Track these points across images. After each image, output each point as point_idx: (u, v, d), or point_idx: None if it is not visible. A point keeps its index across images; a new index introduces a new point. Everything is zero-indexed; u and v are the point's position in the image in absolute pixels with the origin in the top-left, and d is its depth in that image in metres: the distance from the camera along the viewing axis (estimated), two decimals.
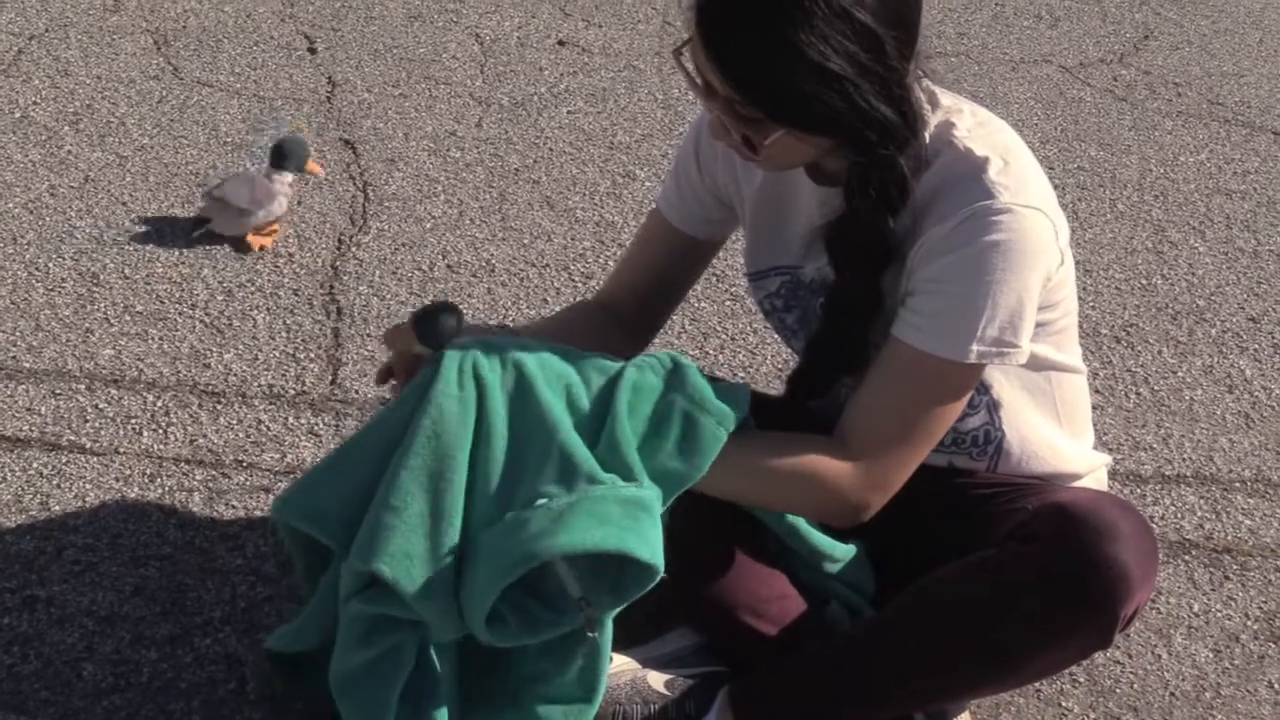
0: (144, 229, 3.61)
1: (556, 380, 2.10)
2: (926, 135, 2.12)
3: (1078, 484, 2.44)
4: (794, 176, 2.29)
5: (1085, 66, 4.83)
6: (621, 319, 2.51)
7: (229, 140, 3.96)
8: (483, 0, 4.83)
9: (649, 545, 2.02)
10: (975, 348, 2.10)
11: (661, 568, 2.03)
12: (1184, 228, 4.01)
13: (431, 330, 2.28)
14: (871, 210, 2.11)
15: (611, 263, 3.65)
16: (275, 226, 3.63)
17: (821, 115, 2.02)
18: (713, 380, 2.17)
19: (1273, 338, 3.64)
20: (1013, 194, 2.07)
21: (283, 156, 3.60)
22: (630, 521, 2.02)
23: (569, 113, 4.28)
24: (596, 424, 2.09)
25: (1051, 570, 2.12)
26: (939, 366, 2.12)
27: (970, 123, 2.16)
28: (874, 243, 2.13)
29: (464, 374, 2.09)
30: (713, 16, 1.99)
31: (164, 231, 3.60)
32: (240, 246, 3.60)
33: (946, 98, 2.19)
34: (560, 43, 4.64)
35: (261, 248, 3.59)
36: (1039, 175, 2.15)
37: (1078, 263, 3.62)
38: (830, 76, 1.98)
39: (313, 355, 3.25)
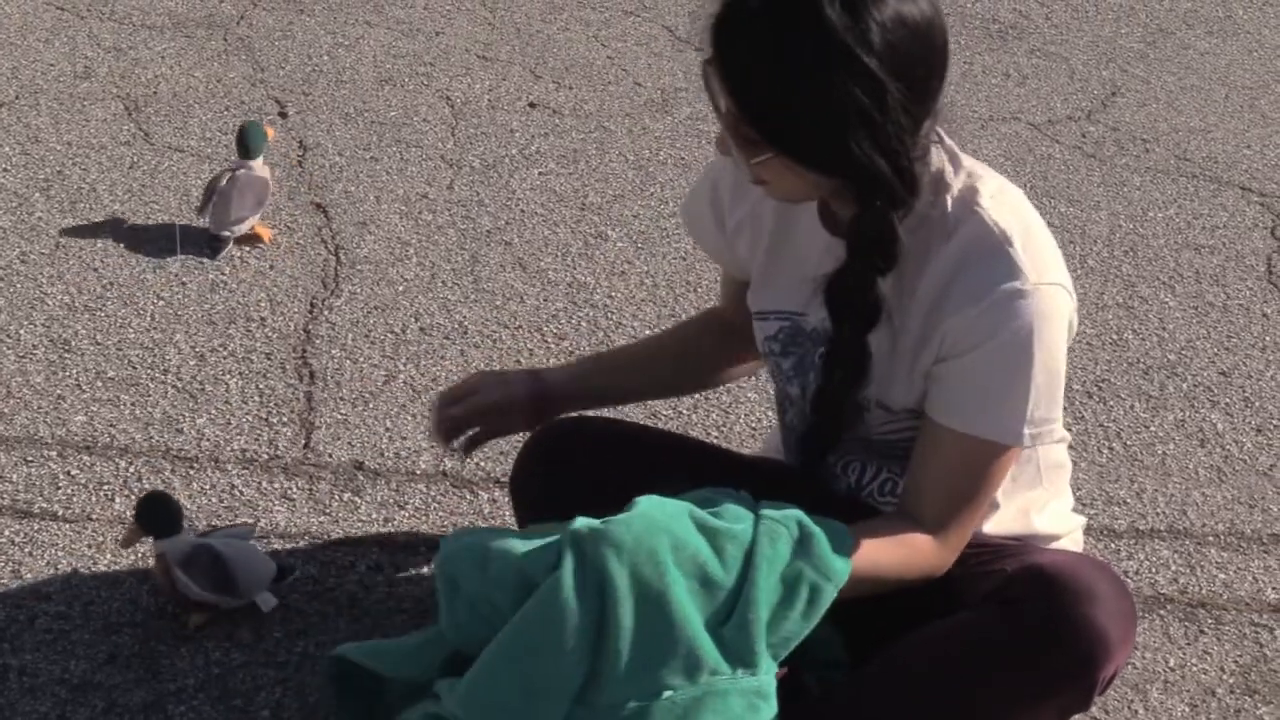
0: (116, 294, 3.61)
1: (689, 561, 2.09)
2: (949, 200, 2.15)
3: (1055, 545, 2.44)
4: (806, 223, 2.30)
5: (1054, 124, 4.86)
6: (737, 328, 2.58)
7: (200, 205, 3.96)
8: (453, 63, 4.85)
9: None
10: (1027, 431, 2.17)
11: None
12: (1154, 283, 4.02)
13: (152, 520, 2.55)
14: (861, 267, 2.13)
15: (585, 324, 3.65)
16: (266, 228, 3.88)
17: (811, 148, 2.05)
18: (813, 517, 2.18)
19: (1244, 392, 3.66)
20: (1037, 272, 2.11)
21: (248, 145, 3.83)
22: (753, 715, 2.09)
23: (540, 174, 4.29)
24: (730, 599, 2.10)
25: (1029, 633, 2.12)
26: (994, 449, 2.19)
27: (992, 189, 2.18)
28: (860, 300, 2.15)
29: (586, 570, 2.08)
30: (725, 33, 2.05)
31: (135, 297, 3.60)
32: (254, 242, 3.84)
33: (967, 160, 2.21)
34: (531, 104, 4.66)
35: (266, 239, 3.85)
36: (1053, 245, 2.19)
37: None
38: (825, 111, 2.01)
39: (285, 419, 3.24)
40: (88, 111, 4.36)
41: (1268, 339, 3.88)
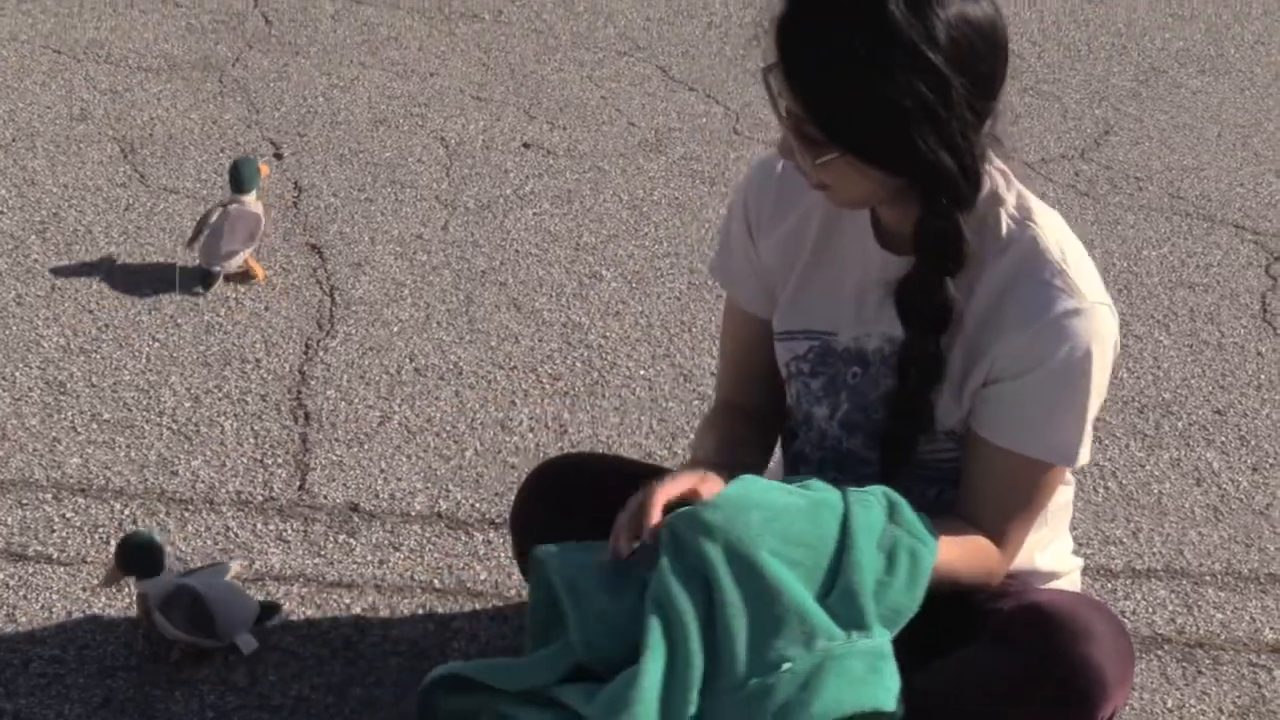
0: (111, 336, 3.61)
1: (784, 532, 2.10)
2: (1003, 212, 2.16)
3: (1053, 585, 2.44)
4: (847, 241, 2.30)
5: (1047, 162, 4.87)
6: (755, 412, 2.51)
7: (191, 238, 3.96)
8: (448, 104, 4.86)
9: (893, 694, 2.09)
10: (1083, 451, 2.21)
11: (903, 712, 2.10)
12: (1148, 321, 4.03)
13: (132, 561, 2.59)
14: (929, 270, 2.14)
15: (579, 364, 3.66)
16: (259, 265, 3.90)
17: (877, 145, 2.06)
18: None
19: (1239, 430, 3.66)
20: (1088, 292, 2.15)
21: (241, 179, 3.84)
22: (875, 676, 2.08)
23: (535, 214, 4.30)
24: (832, 566, 2.11)
25: (1027, 672, 2.12)
26: (1049, 468, 2.23)
27: (1041, 208, 2.21)
28: (928, 304, 2.16)
29: (682, 557, 2.10)
30: (789, 33, 2.08)
31: (131, 339, 3.60)
32: (246, 279, 3.85)
33: (1014, 179, 2.23)
34: (525, 145, 4.67)
35: (257, 277, 3.86)
36: (1094, 266, 2.22)
37: None
38: (890, 107, 2.02)
39: (280, 461, 3.24)
40: (83, 154, 4.37)
41: (1262, 377, 3.88)
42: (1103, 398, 2.22)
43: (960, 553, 2.21)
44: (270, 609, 2.74)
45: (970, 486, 2.27)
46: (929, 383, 2.22)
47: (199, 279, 3.82)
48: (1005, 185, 2.20)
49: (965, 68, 2.04)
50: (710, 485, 2.17)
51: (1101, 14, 5.98)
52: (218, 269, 3.80)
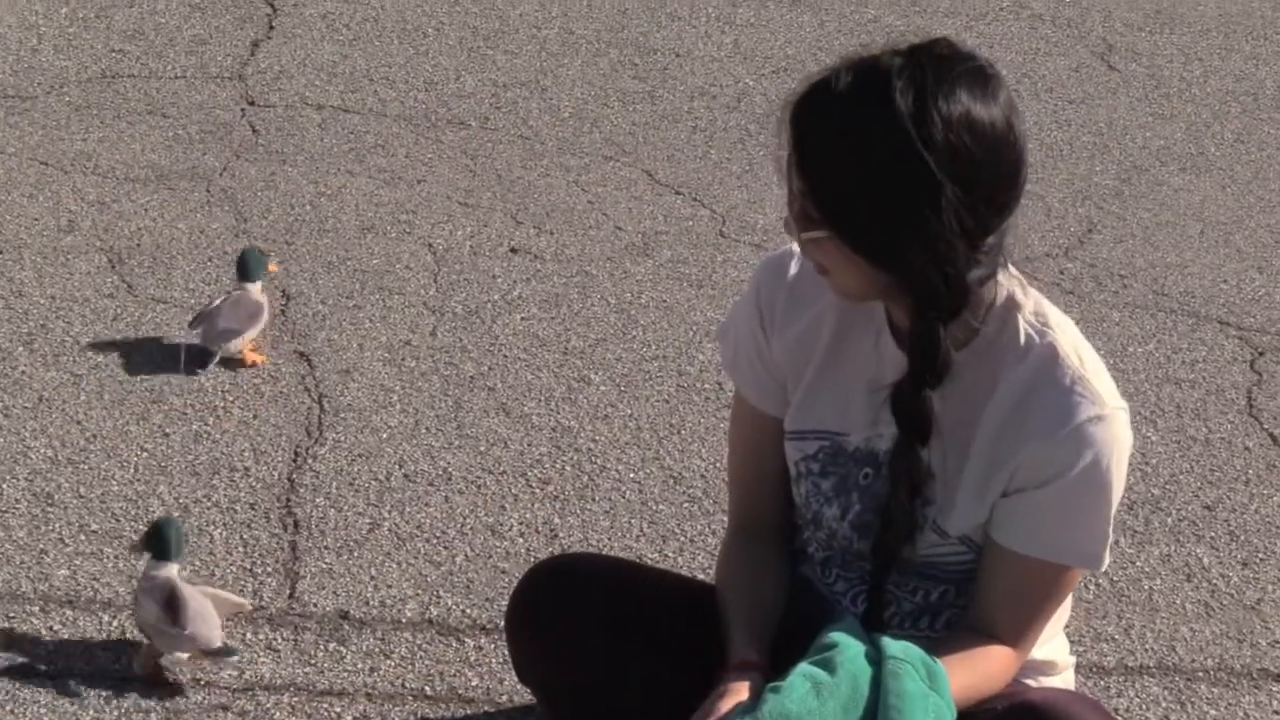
0: (99, 447, 3.60)
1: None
2: (1021, 319, 2.17)
3: (1049, 678, 2.43)
4: (861, 341, 2.29)
5: (1032, 261, 4.90)
6: (773, 532, 2.47)
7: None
8: (435, 210, 4.88)
9: None
10: (1106, 556, 2.23)
11: None
12: (1136, 417, 4.03)
13: (153, 539, 2.86)
14: (913, 378, 2.14)
15: (569, 468, 3.66)
16: (259, 354, 3.97)
17: (861, 234, 2.07)
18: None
19: (1229, 525, 3.66)
20: (1106, 398, 2.17)
21: (248, 269, 3.97)
22: None
23: (523, 319, 4.31)
24: None
25: None
26: (1072, 572, 2.25)
27: (1057, 315, 2.23)
28: (911, 413, 2.16)
29: None
30: (802, 105, 2.09)
31: (119, 449, 3.60)
32: (239, 365, 3.93)
33: (1030, 287, 2.23)
34: (513, 250, 4.69)
35: (254, 364, 3.94)
36: (1105, 368, 2.24)
37: None
38: (877, 198, 2.04)
39: (270, 569, 3.23)
40: (71, 265, 4.38)
41: (1250, 472, 3.89)
42: (1120, 498, 2.23)
43: (977, 679, 2.22)
44: (230, 650, 2.89)
45: (988, 592, 2.26)
46: (909, 493, 2.22)
47: (194, 358, 3.91)
48: (1022, 292, 2.22)
49: (959, 174, 2.03)
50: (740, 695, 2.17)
51: (1083, 114, 6.03)
52: (215, 349, 3.89)
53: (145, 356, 3.98)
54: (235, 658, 2.89)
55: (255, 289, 3.97)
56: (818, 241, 2.12)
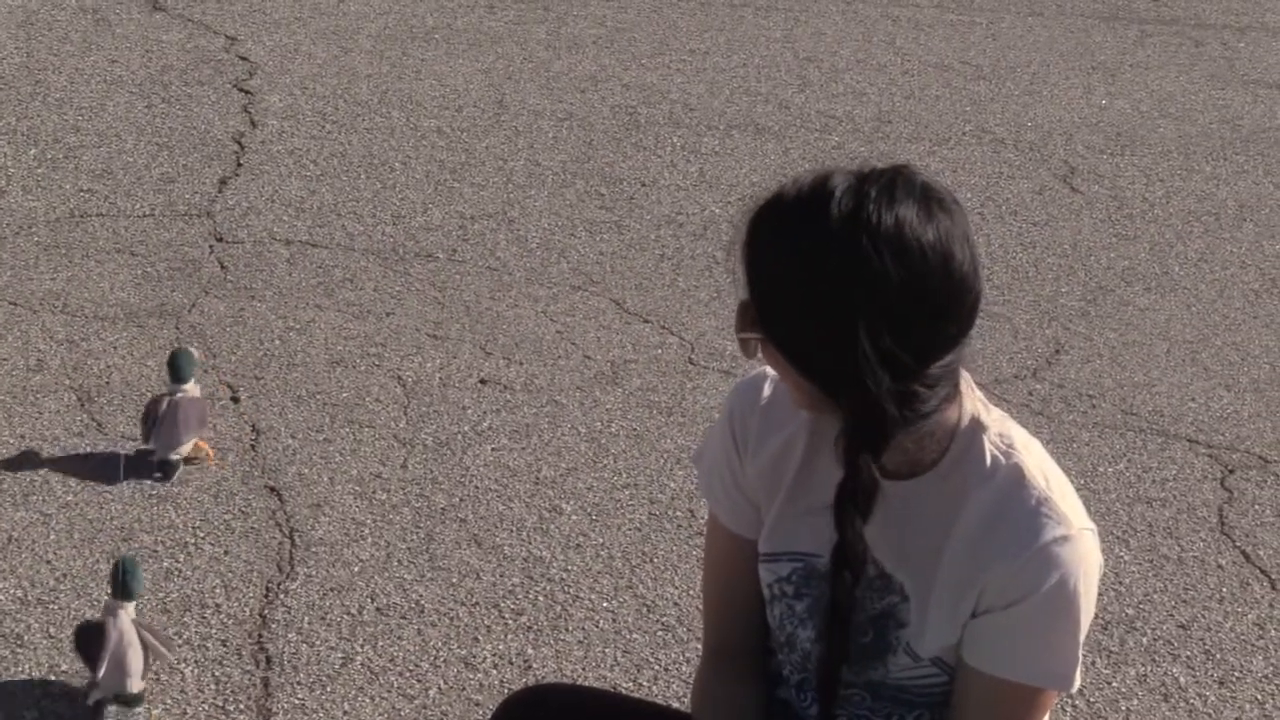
0: (69, 586, 3.58)
1: None
2: (987, 440, 2.17)
3: None
4: (829, 462, 2.29)
5: (1000, 383, 4.92)
6: (748, 657, 2.46)
7: (153, 494, 3.96)
8: (404, 343, 4.89)
9: None
10: (1077, 676, 2.19)
11: None
12: (1108, 537, 4.04)
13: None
14: (837, 503, 2.13)
15: (542, 598, 3.64)
16: (205, 444, 4.14)
17: (784, 338, 2.06)
18: None
19: (1204, 644, 3.65)
20: (1072, 519, 2.15)
21: (180, 370, 4.10)
22: None
23: (493, 450, 4.31)
24: None
25: None
26: (1045, 693, 2.21)
27: (1023, 436, 2.21)
28: (841, 538, 2.15)
29: None
30: (755, 212, 2.08)
31: (89, 588, 3.57)
32: (196, 461, 4.09)
33: (993, 407, 2.23)
34: (482, 381, 4.70)
35: (209, 456, 4.11)
36: (1073, 488, 2.22)
37: None
38: (799, 306, 2.02)
39: (242, 707, 3.21)
40: (40, 404, 4.37)
41: (1224, 590, 3.89)
42: (1090, 619, 2.22)
43: None
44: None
45: (962, 715, 2.24)
46: (837, 617, 2.21)
47: (157, 468, 4.02)
48: (986, 412, 2.22)
49: (877, 293, 1.98)
50: None
51: (1047, 236, 6.09)
52: (176, 457, 4.01)
53: (115, 494, 3.97)
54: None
55: (191, 387, 4.11)
56: (760, 342, 2.12)
